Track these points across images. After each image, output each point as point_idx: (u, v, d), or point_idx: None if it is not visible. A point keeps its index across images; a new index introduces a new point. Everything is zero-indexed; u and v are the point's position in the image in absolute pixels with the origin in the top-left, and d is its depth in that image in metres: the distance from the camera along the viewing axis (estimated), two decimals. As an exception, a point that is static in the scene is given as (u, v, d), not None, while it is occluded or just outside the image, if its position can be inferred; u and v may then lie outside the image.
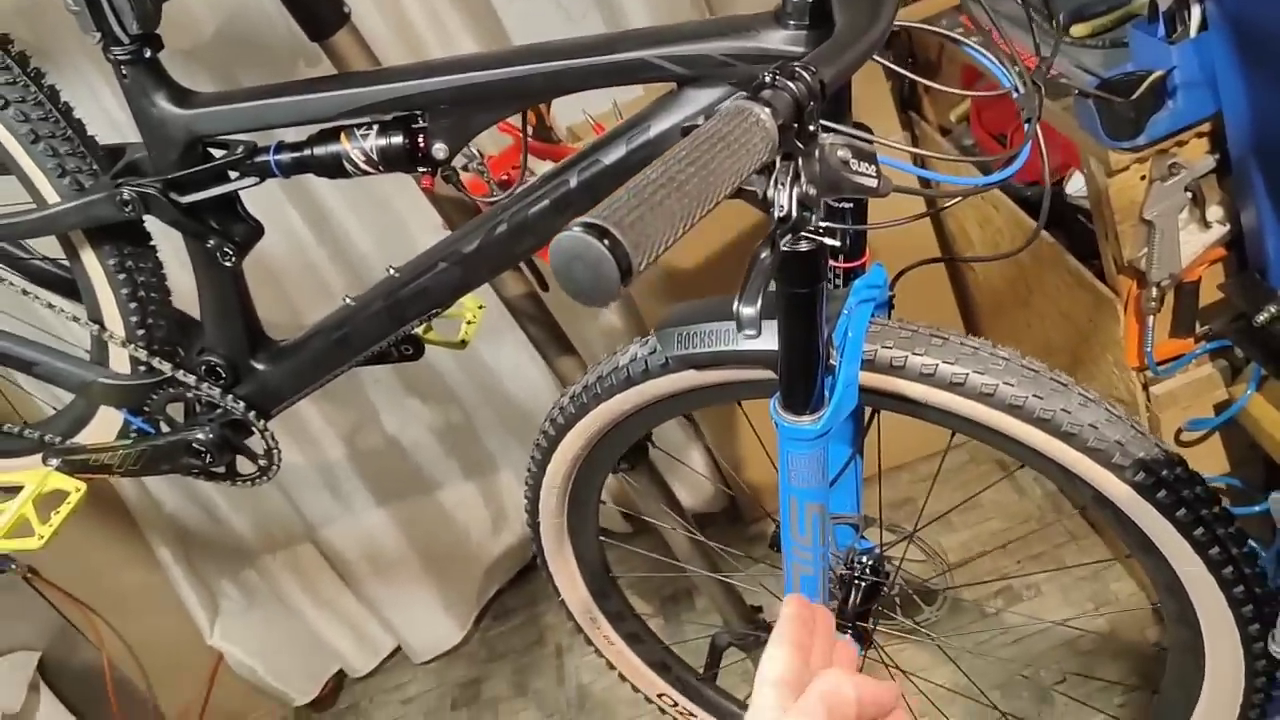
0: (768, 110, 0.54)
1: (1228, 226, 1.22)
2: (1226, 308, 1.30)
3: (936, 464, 1.80)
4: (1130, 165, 1.18)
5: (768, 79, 0.56)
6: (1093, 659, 1.59)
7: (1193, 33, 1.08)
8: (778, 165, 0.59)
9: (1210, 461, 1.41)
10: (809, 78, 0.57)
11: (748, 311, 0.59)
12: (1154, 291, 1.25)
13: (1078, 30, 1.28)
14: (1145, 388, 1.37)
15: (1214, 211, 1.21)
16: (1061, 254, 1.42)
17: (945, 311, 1.88)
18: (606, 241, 0.46)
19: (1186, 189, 1.19)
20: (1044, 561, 1.75)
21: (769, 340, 0.86)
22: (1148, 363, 1.31)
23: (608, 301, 0.48)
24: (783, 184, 0.59)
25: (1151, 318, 1.28)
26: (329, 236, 1.73)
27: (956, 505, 1.66)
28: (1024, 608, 1.70)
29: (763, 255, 0.61)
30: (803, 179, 0.59)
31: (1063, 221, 1.51)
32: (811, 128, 0.58)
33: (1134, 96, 1.11)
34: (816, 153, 0.60)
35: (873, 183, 0.63)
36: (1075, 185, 1.47)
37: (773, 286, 0.77)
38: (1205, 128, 1.16)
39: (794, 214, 0.59)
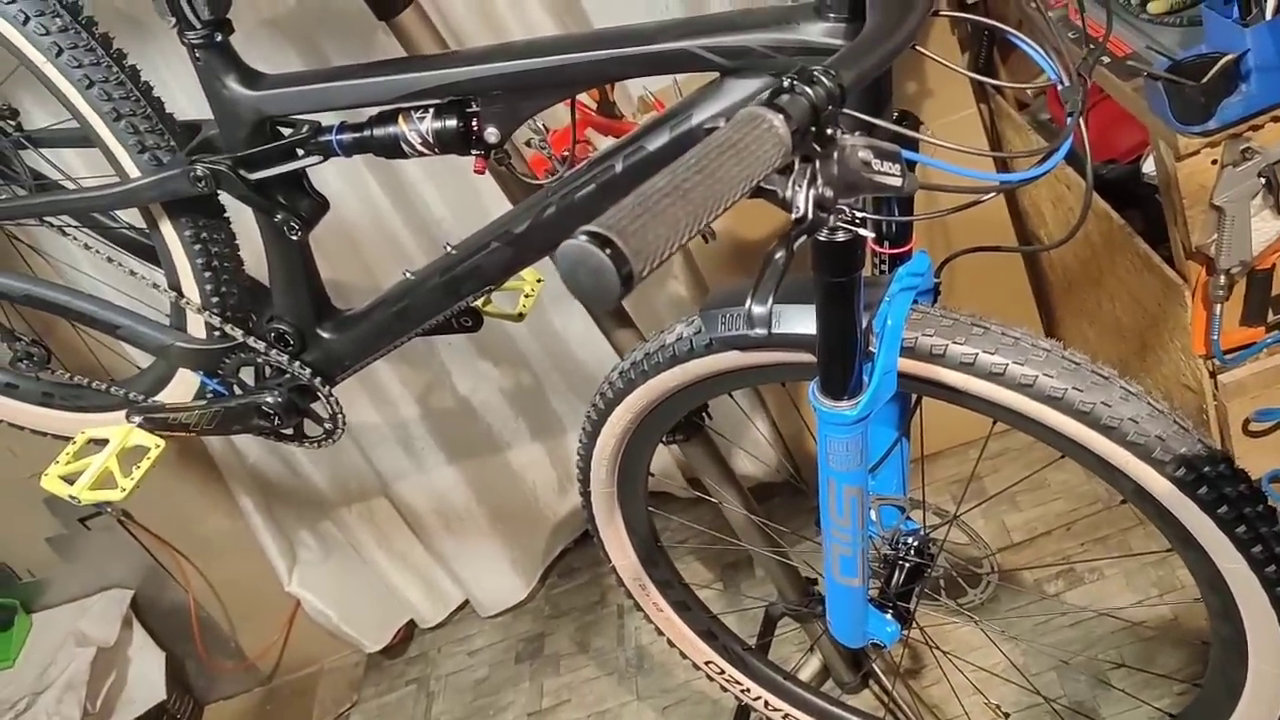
0: (780, 117, 0.55)
1: (1304, 214, 1.19)
2: (1301, 296, 1.27)
3: (1006, 441, 1.79)
4: (1200, 150, 1.15)
5: (786, 84, 0.57)
6: (1154, 646, 1.57)
7: (1269, 14, 1.04)
8: (795, 168, 0.60)
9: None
10: (828, 82, 0.58)
11: (759, 310, 0.61)
12: (1222, 279, 1.22)
13: (1154, 7, 1.24)
14: (1213, 376, 1.34)
15: (1289, 198, 1.18)
16: (1131, 237, 1.39)
17: (1019, 290, 1.85)
18: (608, 250, 0.48)
19: (1260, 174, 1.16)
20: (1109, 544, 1.73)
21: (811, 324, 0.87)
22: (1214, 351, 1.28)
23: (610, 305, 0.50)
24: (799, 186, 0.60)
25: (1219, 305, 1.25)
26: (406, 203, 1.77)
27: (1007, 487, 1.65)
28: (1086, 591, 1.69)
29: (777, 256, 0.63)
30: (819, 182, 0.60)
31: (1139, 201, 1.48)
32: (829, 131, 0.59)
33: (1204, 80, 1.08)
34: (835, 155, 0.60)
35: (896, 182, 0.64)
36: (1152, 165, 1.44)
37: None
38: (1281, 112, 1.12)
39: (810, 216, 0.61)
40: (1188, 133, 1.13)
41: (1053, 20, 0.85)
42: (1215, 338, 1.26)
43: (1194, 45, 1.14)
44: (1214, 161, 1.16)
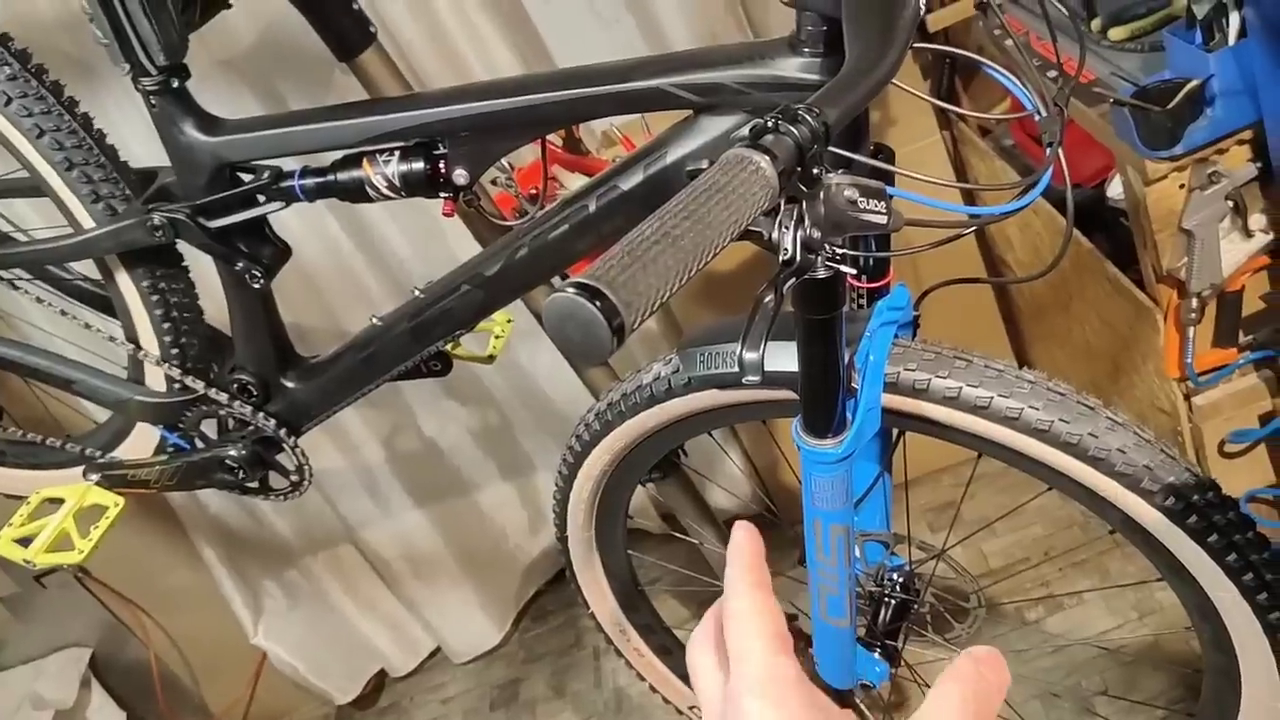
0: (767, 158, 0.53)
1: (1271, 235, 1.19)
2: (1271, 317, 1.27)
3: (980, 466, 1.78)
4: (1168, 174, 1.15)
5: (769, 123, 0.55)
6: (1136, 670, 1.57)
7: (1231, 40, 1.05)
8: (781, 209, 0.58)
9: (1256, 473, 1.38)
10: (812, 120, 0.56)
11: (751, 357, 0.59)
12: (1194, 302, 1.22)
13: (1115, 34, 1.25)
14: (1187, 398, 1.34)
15: (1256, 220, 1.18)
16: (1101, 261, 1.39)
17: (987, 317, 1.85)
18: (598, 303, 0.46)
19: (1227, 198, 1.16)
20: (1086, 569, 1.72)
21: (791, 361, 0.85)
22: (1188, 373, 1.28)
23: (602, 359, 0.47)
24: (786, 228, 0.58)
25: (1192, 328, 1.25)
26: (368, 245, 1.74)
27: (992, 521, 1.64)
28: (1066, 616, 1.68)
29: (766, 300, 0.61)
30: (807, 222, 0.58)
31: (1104, 225, 1.48)
32: (815, 171, 0.57)
33: (1170, 106, 1.08)
34: (821, 194, 0.59)
35: (881, 219, 0.62)
36: (1116, 189, 1.44)
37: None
38: (1246, 135, 1.13)
39: (798, 258, 0.59)
40: (1155, 158, 1.13)
41: (1021, 50, 0.85)
42: (1189, 360, 1.26)
43: (1156, 71, 1.15)
44: (1182, 186, 1.16)
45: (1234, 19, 1.04)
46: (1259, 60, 1.04)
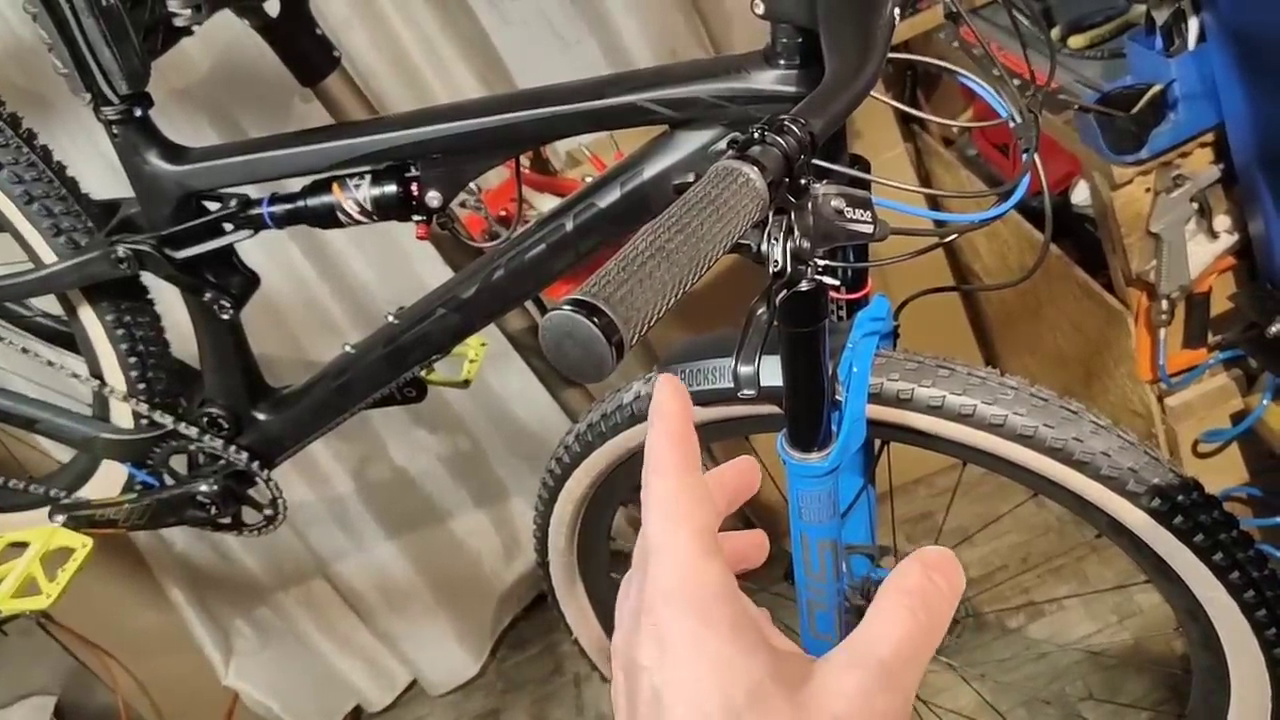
0: (756, 169, 0.52)
1: (1236, 236, 1.21)
2: (1239, 316, 1.29)
3: (953, 477, 1.79)
4: (1134, 178, 1.17)
5: (756, 134, 0.55)
6: (1119, 674, 1.57)
7: (1191, 45, 1.07)
8: (770, 220, 0.58)
9: (1229, 472, 1.39)
10: (798, 131, 0.56)
11: (746, 371, 0.58)
12: (1164, 304, 1.23)
13: (1075, 42, 1.27)
14: (1160, 400, 1.35)
15: (1221, 221, 1.20)
16: (1070, 266, 1.40)
17: (957, 326, 1.86)
18: (596, 319, 0.45)
19: (1192, 200, 1.18)
20: (1064, 575, 1.73)
21: (774, 376, 0.84)
22: (1160, 375, 1.29)
23: (601, 378, 0.46)
24: (776, 239, 0.58)
25: (1163, 330, 1.26)
26: (331, 270, 1.72)
27: (973, 534, 1.64)
28: (1046, 623, 1.68)
29: (760, 313, 0.60)
30: (796, 233, 0.58)
31: (1071, 231, 1.49)
32: (803, 181, 0.57)
33: (1134, 111, 1.09)
34: (809, 205, 0.58)
35: (868, 229, 0.62)
36: (1081, 194, 1.46)
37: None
38: (1208, 138, 1.14)
39: (789, 269, 0.58)
40: (1121, 162, 1.14)
41: (992, 59, 0.85)
42: (1161, 362, 1.27)
43: (1116, 77, 1.16)
44: (1148, 189, 1.18)
45: (1193, 24, 1.06)
46: (1219, 64, 1.06)
